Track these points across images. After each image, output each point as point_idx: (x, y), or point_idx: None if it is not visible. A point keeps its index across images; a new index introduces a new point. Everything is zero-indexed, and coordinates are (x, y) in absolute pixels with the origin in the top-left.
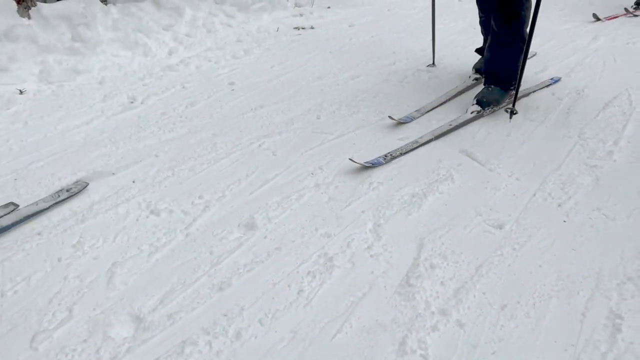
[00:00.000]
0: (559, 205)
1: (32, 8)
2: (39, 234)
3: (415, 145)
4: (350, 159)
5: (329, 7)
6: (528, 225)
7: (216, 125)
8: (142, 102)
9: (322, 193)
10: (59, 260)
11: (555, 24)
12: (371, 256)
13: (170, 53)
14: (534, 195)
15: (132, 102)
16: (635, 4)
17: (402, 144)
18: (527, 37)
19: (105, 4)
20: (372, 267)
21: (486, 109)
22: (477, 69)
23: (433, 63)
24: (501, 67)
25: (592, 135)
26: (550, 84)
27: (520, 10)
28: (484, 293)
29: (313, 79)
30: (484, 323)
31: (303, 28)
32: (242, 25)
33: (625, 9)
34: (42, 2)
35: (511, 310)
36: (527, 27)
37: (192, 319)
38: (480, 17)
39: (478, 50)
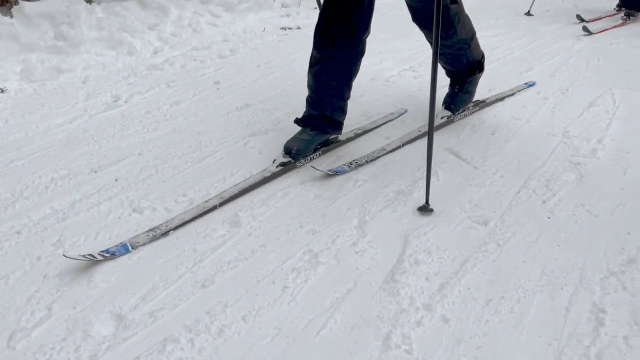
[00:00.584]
0: (544, 202)
1: (14, 6)
2: (18, 232)
3: (382, 153)
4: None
5: (315, 8)
6: (513, 221)
7: (201, 124)
8: (126, 101)
9: (307, 190)
10: (39, 258)
11: (540, 25)
12: (356, 253)
13: (155, 52)
14: (519, 192)
15: (115, 101)
16: (617, 6)
17: (387, 142)
18: (469, 37)
19: (90, 3)
20: (357, 263)
21: (456, 113)
22: (288, 148)
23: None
24: (456, 69)
25: (577, 133)
26: (524, 89)
27: (453, 25)
28: (468, 288)
29: (299, 78)
30: (468, 318)
31: (290, 28)
32: (228, 25)
33: (584, 27)
34: (26, 0)
35: (496, 305)
36: (464, 29)
37: (174, 317)
38: (313, 58)
39: (298, 121)
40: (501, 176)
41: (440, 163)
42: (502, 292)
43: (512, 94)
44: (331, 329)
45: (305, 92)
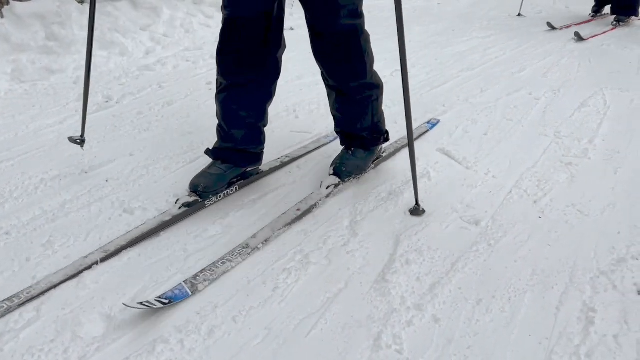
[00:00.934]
0: (535, 202)
1: (5, 6)
2: (7, 233)
3: (244, 255)
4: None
5: None
6: (504, 221)
7: (193, 125)
8: (117, 102)
9: (298, 189)
10: (28, 259)
11: (532, 26)
12: (347, 253)
13: (147, 53)
14: (510, 192)
15: (107, 102)
16: (592, 12)
17: (255, 229)
18: (379, 85)
19: (81, 4)
20: (348, 263)
21: (346, 180)
22: (194, 185)
23: (81, 136)
24: (358, 127)
25: (568, 133)
26: (428, 130)
27: (364, 58)
28: (459, 288)
29: (292, 78)
30: (459, 318)
31: None
32: (220, 26)
33: (576, 33)
34: (18, 0)
35: (486, 305)
36: (374, 73)
37: (164, 318)
38: (219, 84)
39: (208, 152)
40: (493, 176)
41: (432, 163)
42: (493, 292)
43: (415, 139)
44: (322, 330)
45: (298, 95)
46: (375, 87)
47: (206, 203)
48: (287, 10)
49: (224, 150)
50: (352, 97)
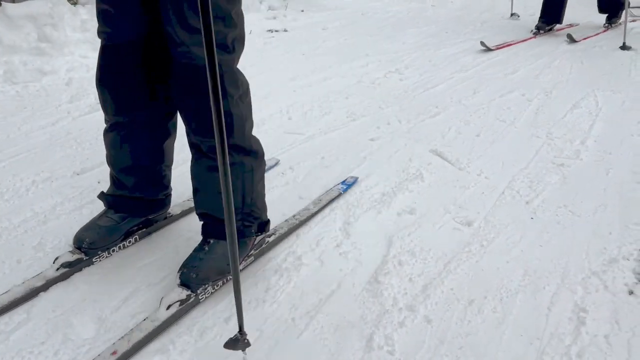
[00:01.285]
0: (527, 203)
1: None
2: None
3: None
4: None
5: (302, 11)
6: (496, 222)
7: (184, 126)
8: None
9: (291, 190)
10: (18, 262)
11: (525, 28)
12: (340, 254)
13: None
14: (503, 193)
15: (99, 103)
16: (535, 28)
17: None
18: (259, 152)
19: (74, 5)
20: (340, 265)
21: (199, 289)
22: (79, 240)
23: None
24: (221, 207)
25: (560, 135)
26: (341, 193)
27: (229, 107)
28: (451, 289)
29: (285, 80)
30: (451, 318)
31: (276, 31)
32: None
33: (569, 35)
34: (10, 2)
35: (478, 305)
36: (246, 130)
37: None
38: (106, 121)
39: (101, 197)
40: (485, 177)
41: (425, 164)
42: (485, 293)
43: (320, 210)
44: (314, 331)
45: (291, 96)
46: (252, 154)
47: (94, 260)
48: (281, 12)
49: (116, 197)
50: (214, 160)
